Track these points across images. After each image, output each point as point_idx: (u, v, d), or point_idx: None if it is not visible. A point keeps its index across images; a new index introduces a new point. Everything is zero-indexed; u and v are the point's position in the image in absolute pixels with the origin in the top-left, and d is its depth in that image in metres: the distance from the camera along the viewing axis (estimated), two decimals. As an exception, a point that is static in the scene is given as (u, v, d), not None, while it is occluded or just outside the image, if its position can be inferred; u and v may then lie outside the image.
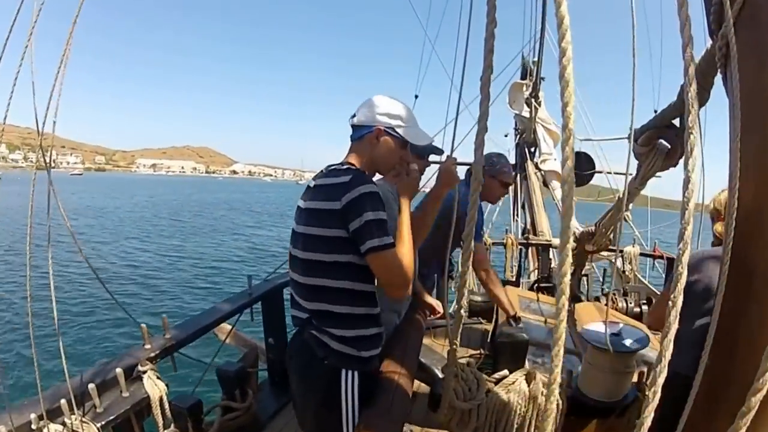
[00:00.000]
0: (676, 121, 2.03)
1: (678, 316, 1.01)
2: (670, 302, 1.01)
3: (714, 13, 1.15)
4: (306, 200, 1.95)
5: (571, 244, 0.91)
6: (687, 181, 0.98)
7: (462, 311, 1.72)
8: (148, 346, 2.30)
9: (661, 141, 2.21)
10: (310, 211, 1.89)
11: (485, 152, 3.20)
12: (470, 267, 1.60)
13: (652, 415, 1.02)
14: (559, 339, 0.96)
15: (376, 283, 1.95)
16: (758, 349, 1.16)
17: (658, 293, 3.50)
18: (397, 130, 1.98)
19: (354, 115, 2.00)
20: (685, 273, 1.01)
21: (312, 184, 1.99)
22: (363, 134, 1.98)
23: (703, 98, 1.75)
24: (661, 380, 1.00)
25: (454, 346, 1.86)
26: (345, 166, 1.93)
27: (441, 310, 3.08)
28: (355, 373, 1.88)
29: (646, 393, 1.00)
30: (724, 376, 1.24)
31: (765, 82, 1.06)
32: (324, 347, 1.88)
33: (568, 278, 0.89)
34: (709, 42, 1.66)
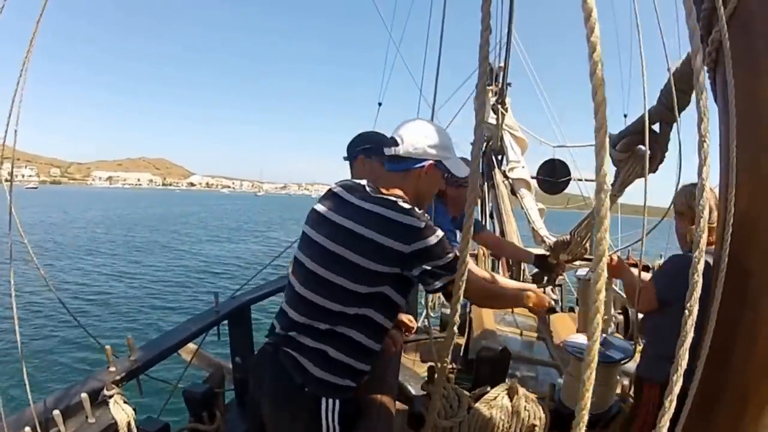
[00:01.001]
0: (656, 127, 2.08)
1: (693, 325, 1.02)
2: (686, 311, 1.01)
3: (704, 18, 1.18)
4: (344, 216, 1.84)
5: (606, 258, 0.90)
6: (701, 190, 0.98)
7: (454, 327, 1.70)
8: (113, 369, 2.22)
9: (640, 147, 2.26)
10: (355, 235, 1.78)
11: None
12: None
13: (668, 425, 1.02)
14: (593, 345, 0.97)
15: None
16: (755, 358, 1.19)
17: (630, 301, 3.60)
18: (444, 163, 1.94)
19: (395, 141, 1.92)
20: (700, 281, 1.02)
21: (356, 202, 1.86)
22: (412, 168, 1.92)
23: (685, 102, 1.81)
24: (677, 389, 1.00)
25: (444, 364, 1.84)
26: (408, 206, 1.81)
27: (414, 325, 3.08)
28: (336, 402, 1.82)
29: (664, 402, 1.01)
30: (719, 386, 1.26)
31: (758, 88, 1.09)
32: (303, 372, 1.80)
33: (602, 296, 0.88)
34: (686, 48, 1.71)
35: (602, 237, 0.90)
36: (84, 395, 2.02)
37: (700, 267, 1.06)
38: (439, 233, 1.77)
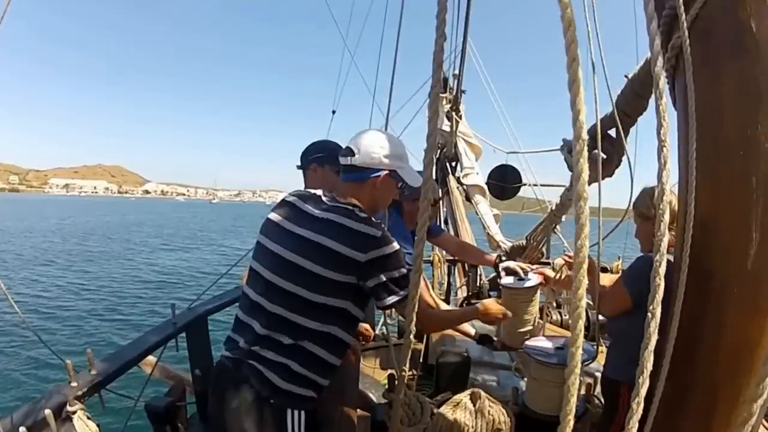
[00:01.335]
0: (612, 132, 2.14)
1: (657, 327, 1.04)
2: (649, 314, 1.04)
3: (664, 24, 1.21)
4: (302, 227, 1.85)
5: (586, 267, 0.91)
6: (662, 193, 1.01)
7: (411, 335, 1.71)
8: (74, 384, 2.17)
9: (595, 152, 2.31)
10: (312, 244, 1.79)
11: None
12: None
13: (637, 426, 1.04)
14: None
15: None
16: (721, 357, 1.22)
17: (592, 303, 3.64)
18: (399, 172, 1.95)
19: (350, 152, 1.92)
20: (662, 284, 1.04)
21: (313, 212, 1.88)
22: (368, 177, 1.92)
23: (641, 107, 1.87)
24: (643, 391, 1.02)
25: (403, 373, 1.84)
26: (365, 215, 1.85)
27: (371, 334, 3.08)
28: (302, 413, 1.82)
29: (631, 404, 1.03)
30: (687, 385, 1.29)
31: (719, 93, 1.13)
32: (269, 385, 1.78)
33: (583, 302, 0.89)
34: (643, 54, 1.77)
35: (582, 244, 0.91)
36: (48, 412, 1.99)
37: (662, 270, 1.09)
38: (395, 245, 1.80)
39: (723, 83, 1.12)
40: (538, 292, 2.85)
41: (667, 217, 1.03)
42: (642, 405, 1.03)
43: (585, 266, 0.91)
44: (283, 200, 2.01)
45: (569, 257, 2.73)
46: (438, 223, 7.83)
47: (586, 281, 0.91)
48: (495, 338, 3.26)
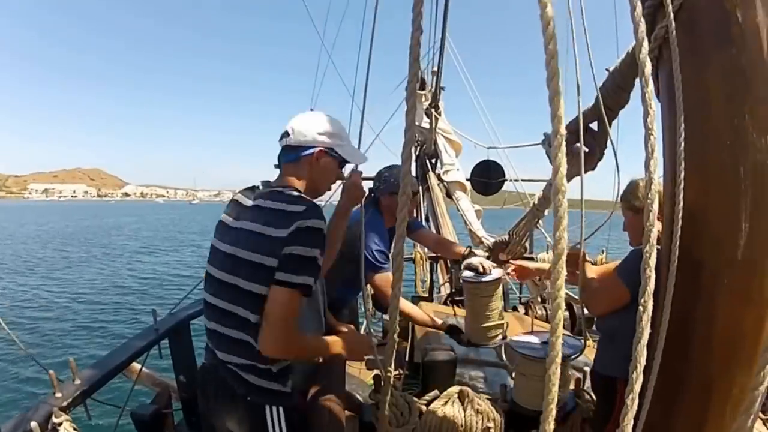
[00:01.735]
0: (594, 125, 2.13)
1: (649, 321, 1.04)
2: (641, 307, 1.03)
3: (648, 14, 1.21)
4: (240, 219, 1.84)
5: (564, 258, 0.91)
6: (650, 183, 1.01)
7: (394, 335, 1.69)
8: (59, 395, 2.14)
9: (577, 145, 2.31)
10: (246, 232, 1.77)
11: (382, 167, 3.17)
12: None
13: (632, 422, 1.04)
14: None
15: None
16: (714, 349, 1.23)
17: (576, 297, 3.65)
18: (336, 149, 1.95)
19: (286, 134, 1.92)
20: (653, 276, 1.04)
21: (249, 203, 1.87)
22: (301, 155, 1.91)
23: (623, 100, 1.86)
24: (638, 387, 1.02)
25: (389, 374, 1.82)
26: (295, 193, 1.84)
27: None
28: (280, 409, 1.81)
29: (626, 400, 1.02)
30: (680, 379, 1.29)
31: (706, 82, 1.13)
32: (244, 383, 1.79)
33: (562, 292, 0.88)
34: (624, 47, 1.76)
35: (561, 236, 0.90)
36: (34, 424, 1.96)
37: (652, 262, 1.08)
38: (321, 223, 1.75)
39: (709, 73, 1.12)
40: (500, 287, 2.86)
41: (656, 207, 1.03)
42: (636, 401, 1.02)
43: (563, 258, 0.90)
44: (231, 199, 2.01)
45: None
46: (419, 219, 7.84)
47: (564, 272, 0.90)
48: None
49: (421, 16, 1.19)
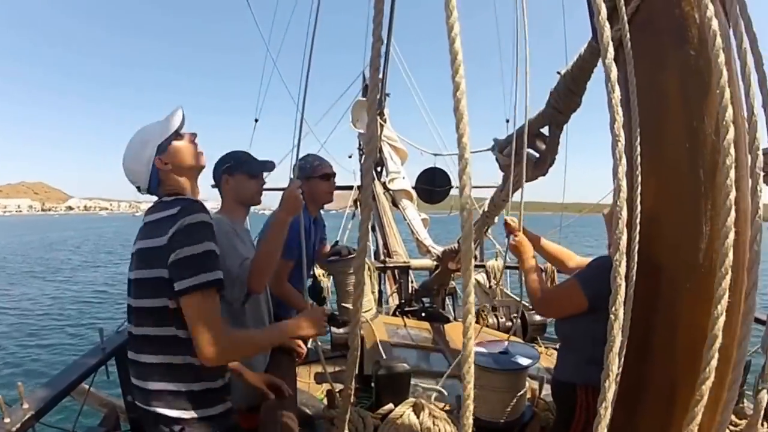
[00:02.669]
0: (545, 130, 2.15)
1: (621, 329, 1.02)
2: (612, 315, 1.02)
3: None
4: (136, 242, 1.83)
5: (473, 268, 0.90)
6: (618, 190, 1.00)
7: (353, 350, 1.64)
8: (7, 420, 2.08)
9: (529, 151, 2.33)
10: (139, 252, 1.78)
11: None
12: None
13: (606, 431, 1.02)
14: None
15: None
16: (677, 353, 1.23)
17: (527, 304, 3.69)
18: (160, 147, 1.86)
19: (138, 188, 1.92)
20: (623, 285, 1.03)
21: (143, 221, 1.86)
22: (155, 180, 1.87)
23: (574, 103, 1.88)
24: (610, 395, 1.00)
25: (349, 391, 1.78)
26: (173, 198, 1.82)
27: (304, 350, 3.04)
28: None
29: (598, 409, 1.01)
30: (642, 383, 1.29)
31: (663, 83, 1.14)
32: (169, 421, 1.72)
33: (472, 297, 0.88)
34: (573, 50, 1.78)
35: (467, 249, 0.90)
36: None
37: (622, 270, 1.08)
38: (198, 217, 1.70)
39: (667, 75, 1.13)
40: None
41: (624, 214, 1.02)
42: (609, 409, 1.00)
43: (471, 261, 0.90)
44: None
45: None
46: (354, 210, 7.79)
47: (473, 273, 0.90)
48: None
49: (382, 27, 1.17)
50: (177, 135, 1.90)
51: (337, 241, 3.58)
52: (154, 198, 1.90)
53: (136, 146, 1.88)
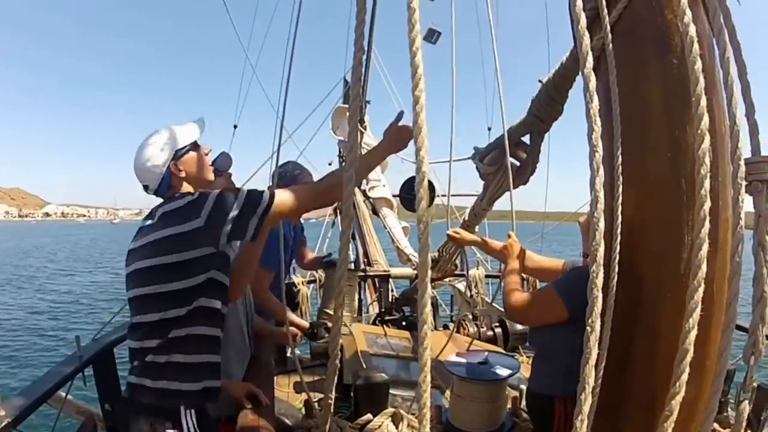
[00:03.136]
0: (526, 139, 2.16)
1: (597, 341, 1.02)
2: (588, 327, 1.01)
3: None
4: (146, 235, 1.87)
5: (429, 276, 0.90)
6: (596, 201, 0.99)
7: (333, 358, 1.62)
8: None
9: (510, 159, 2.33)
10: (158, 241, 1.82)
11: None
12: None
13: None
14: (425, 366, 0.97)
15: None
16: (658, 363, 1.23)
17: (503, 311, 3.70)
18: (177, 153, 1.98)
19: (146, 187, 1.99)
20: (600, 296, 1.02)
21: (149, 221, 1.92)
22: (165, 183, 1.96)
23: (556, 112, 1.88)
24: (587, 408, 0.99)
25: (329, 401, 1.76)
26: (177, 193, 1.94)
27: (298, 333, 3.13)
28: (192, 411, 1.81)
29: (575, 421, 0.99)
30: (622, 395, 1.29)
31: (646, 92, 1.14)
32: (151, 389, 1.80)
33: (429, 308, 0.88)
34: (555, 59, 1.79)
35: (424, 261, 0.90)
36: None
37: (599, 281, 1.07)
38: (215, 192, 1.82)
39: (649, 84, 1.13)
40: None
41: (602, 225, 1.01)
42: (586, 422, 0.99)
43: (428, 269, 0.92)
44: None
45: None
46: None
47: (429, 283, 0.94)
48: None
49: (363, 36, 1.17)
50: (195, 145, 2.02)
51: (330, 253, 3.82)
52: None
53: (154, 147, 1.95)
